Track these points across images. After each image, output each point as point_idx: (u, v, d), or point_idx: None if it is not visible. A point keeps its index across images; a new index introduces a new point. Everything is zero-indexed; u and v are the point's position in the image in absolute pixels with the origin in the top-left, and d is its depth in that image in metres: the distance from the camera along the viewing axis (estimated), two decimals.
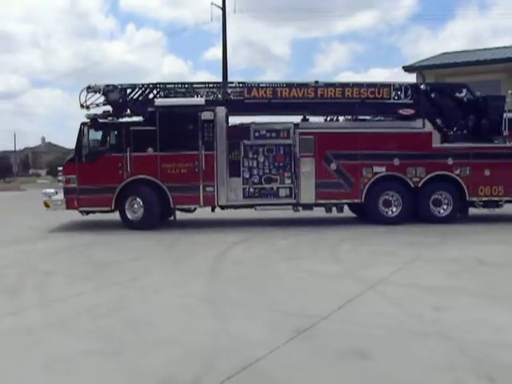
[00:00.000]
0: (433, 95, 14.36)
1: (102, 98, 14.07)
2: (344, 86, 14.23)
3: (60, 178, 13.86)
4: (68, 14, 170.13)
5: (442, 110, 14.40)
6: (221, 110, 13.65)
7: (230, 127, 13.98)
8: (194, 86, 14.13)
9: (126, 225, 13.62)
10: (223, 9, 30.25)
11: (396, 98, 14.25)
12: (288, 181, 13.95)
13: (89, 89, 13.99)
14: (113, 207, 13.55)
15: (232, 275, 8.32)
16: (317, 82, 14.25)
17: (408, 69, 25.32)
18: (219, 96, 14.08)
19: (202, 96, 14.00)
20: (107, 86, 14.06)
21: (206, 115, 13.50)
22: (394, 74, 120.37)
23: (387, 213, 14.01)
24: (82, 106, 14.06)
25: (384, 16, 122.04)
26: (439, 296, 7.00)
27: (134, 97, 14.10)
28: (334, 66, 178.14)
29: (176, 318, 6.27)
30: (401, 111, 14.28)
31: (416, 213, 14.08)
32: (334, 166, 13.82)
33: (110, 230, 13.36)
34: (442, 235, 11.99)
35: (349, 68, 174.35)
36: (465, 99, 14.41)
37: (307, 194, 13.81)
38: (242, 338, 5.57)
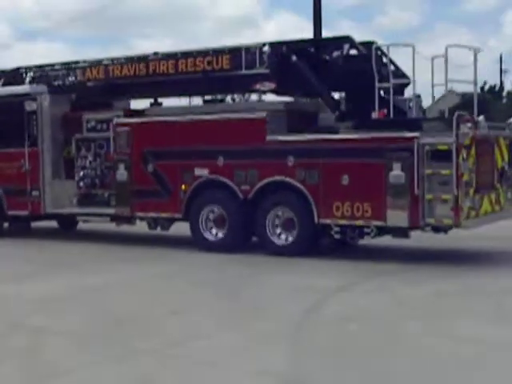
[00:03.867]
0: (294, 59, 11.45)
1: None
2: (182, 56, 12.53)
3: None
4: None
5: (307, 79, 11.37)
6: (45, 99, 13.69)
7: (62, 118, 13.84)
8: (46, 68, 14.42)
9: None
10: None
11: (250, 67, 11.86)
12: None
13: None
14: None
15: (331, 342, 6.67)
16: (156, 54, 12.92)
17: None
18: (69, 80, 14.05)
19: (53, 81, 14.19)
20: None
21: (31, 105, 13.73)
22: None
23: (211, 234, 11.89)
24: None
25: None
26: None
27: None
28: None
29: None
30: (258, 86, 11.88)
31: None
32: (151, 168, 12.43)
33: (127, 267, 11.24)
34: None
35: None
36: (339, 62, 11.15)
37: (122, 204, 12.72)
38: None
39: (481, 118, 10.18)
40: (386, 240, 11.45)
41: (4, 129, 14.10)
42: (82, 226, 15.53)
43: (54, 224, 15.66)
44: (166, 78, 12.66)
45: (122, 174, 12.69)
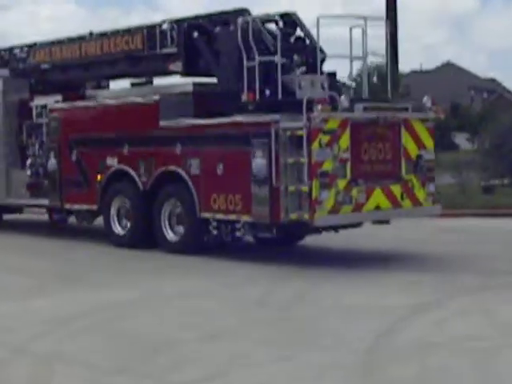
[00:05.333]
0: (195, 35, 12.39)
1: None
2: (110, 36, 13.89)
3: None
4: None
5: (206, 57, 12.30)
6: None
7: (18, 104, 15.71)
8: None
9: None
10: None
11: (163, 47, 13.00)
12: None
13: None
14: None
15: (407, 377, 6.32)
16: (91, 35, 14.37)
17: None
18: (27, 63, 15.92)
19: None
20: None
21: None
22: None
23: (121, 228, 13.17)
24: None
25: None
26: None
27: None
28: None
29: None
30: (171, 66, 12.97)
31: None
32: (74, 157, 13.94)
33: (147, 280, 10.91)
34: None
35: None
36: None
37: (53, 194, 14.33)
38: None
39: (342, 97, 10.39)
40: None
41: None
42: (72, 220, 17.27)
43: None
44: (94, 60, 14.12)
45: (52, 162, 14.34)
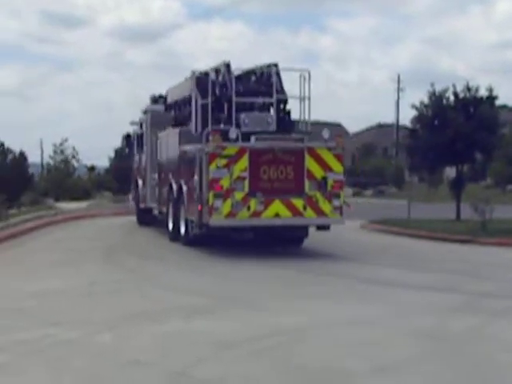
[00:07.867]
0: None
1: None
2: (185, 82, 18.59)
3: None
4: None
5: None
6: (146, 118, 21.25)
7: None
8: None
9: None
10: None
11: None
12: None
13: None
14: None
15: None
16: (186, 80, 19.04)
17: None
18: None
19: None
20: None
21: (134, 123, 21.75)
22: None
23: (170, 226, 17.81)
24: None
25: None
26: None
27: None
28: None
29: None
30: None
31: None
32: (162, 174, 19.03)
33: (317, 305, 10.59)
34: None
35: None
36: None
37: (156, 201, 19.61)
38: None
39: (231, 130, 13.79)
40: None
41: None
42: None
43: None
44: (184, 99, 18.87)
45: (154, 178, 19.52)
